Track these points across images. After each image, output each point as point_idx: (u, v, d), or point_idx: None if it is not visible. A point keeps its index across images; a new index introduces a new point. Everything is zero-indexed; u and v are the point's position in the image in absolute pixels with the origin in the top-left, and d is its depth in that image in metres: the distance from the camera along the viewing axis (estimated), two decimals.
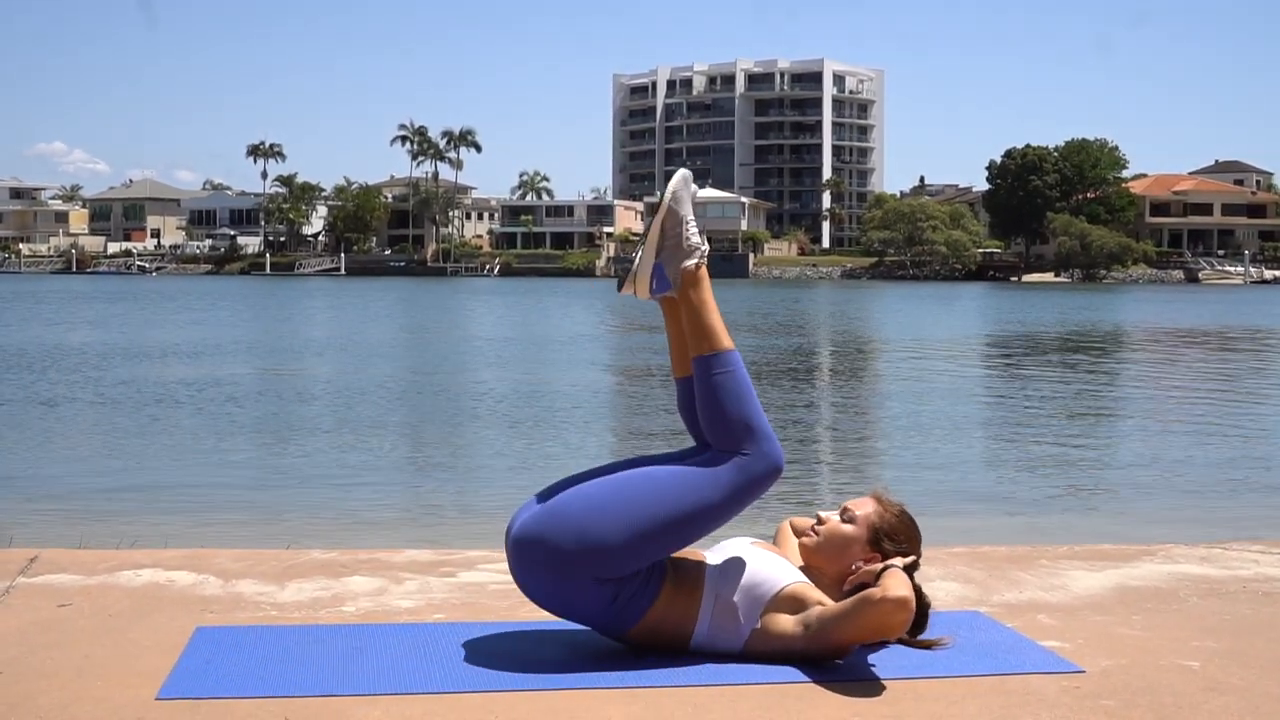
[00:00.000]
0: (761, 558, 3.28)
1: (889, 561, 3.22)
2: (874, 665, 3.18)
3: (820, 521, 3.39)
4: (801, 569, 3.32)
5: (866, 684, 3.06)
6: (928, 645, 3.29)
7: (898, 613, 3.05)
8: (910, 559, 3.27)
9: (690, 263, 3.33)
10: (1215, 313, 51.82)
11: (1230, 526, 7.72)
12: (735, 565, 3.25)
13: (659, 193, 3.36)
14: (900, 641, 3.27)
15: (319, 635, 3.42)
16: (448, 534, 7.75)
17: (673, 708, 2.89)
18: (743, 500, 3.23)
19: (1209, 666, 3.26)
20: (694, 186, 3.39)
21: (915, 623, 3.23)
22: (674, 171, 3.43)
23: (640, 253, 3.33)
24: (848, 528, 3.34)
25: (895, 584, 3.09)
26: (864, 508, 3.36)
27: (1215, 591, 4.06)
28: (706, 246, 3.37)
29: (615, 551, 3.13)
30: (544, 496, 3.25)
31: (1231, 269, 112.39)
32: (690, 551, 3.32)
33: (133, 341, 28.37)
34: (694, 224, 3.35)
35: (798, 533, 3.48)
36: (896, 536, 3.32)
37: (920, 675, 3.13)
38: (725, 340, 3.30)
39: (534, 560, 3.17)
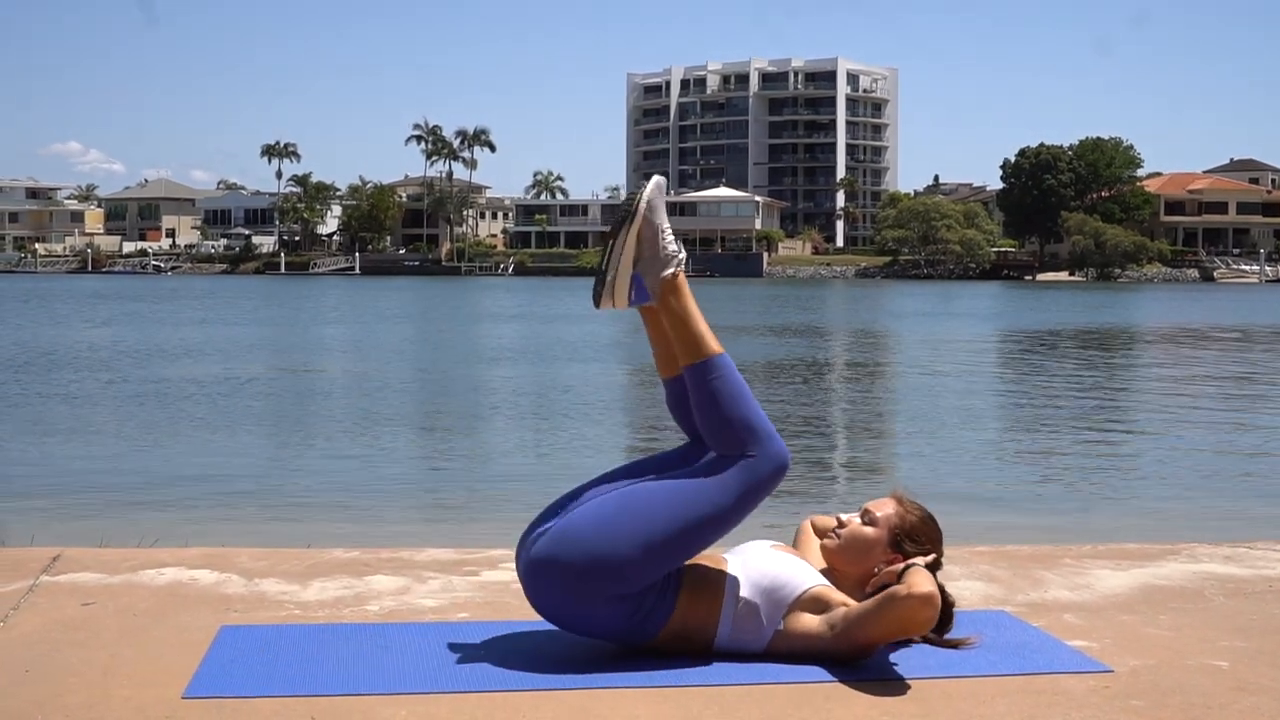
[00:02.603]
0: (782, 561, 3.27)
1: (911, 561, 3.21)
2: (902, 665, 3.17)
3: (841, 524, 3.37)
4: (823, 571, 3.31)
5: (895, 683, 3.05)
6: (955, 644, 3.27)
7: (923, 609, 3.05)
8: (931, 557, 3.26)
9: (669, 271, 3.26)
10: (1232, 311, 51.67)
11: (1254, 526, 7.69)
12: (756, 568, 3.24)
13: (634, 197, 3.27)
14: (927, 641, 3.26)
15: (343, 634, 3.42)
16: (470, 532, 7.74)
17: (701, 707, 2.88)
18: (752, 502, 3.20)
19: (1238, 666, 3.24)
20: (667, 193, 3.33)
21: (940, 620, 3.21)
22: (649, 178, 3.35)
23: (615, 264, 3.24)
24: (869, 530, 3.32)
25: (920, 580, 3.08)
26: (884, 509, 3.35)
27: (1241, 591, 4.04)
28: (684, 254, 3.30)
29: (629, 568, 3.11)
30: (550, 517, 3.22)
31: (1247, 268, 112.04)
32: (709, 555, 3.31)
33: (150, 340, 28.44)
34: (669, 231, 3.29)
35: (819, 533, 3.47)
36: (918, 537, 3.31)
37: (948, 675, 3.12)
38: (713, 345, 3.25)
39: (549, 585, 3.15)
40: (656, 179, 3.33)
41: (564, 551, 3.12)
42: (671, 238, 3.29)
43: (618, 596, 3.13)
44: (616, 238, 3.26)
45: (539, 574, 3.16)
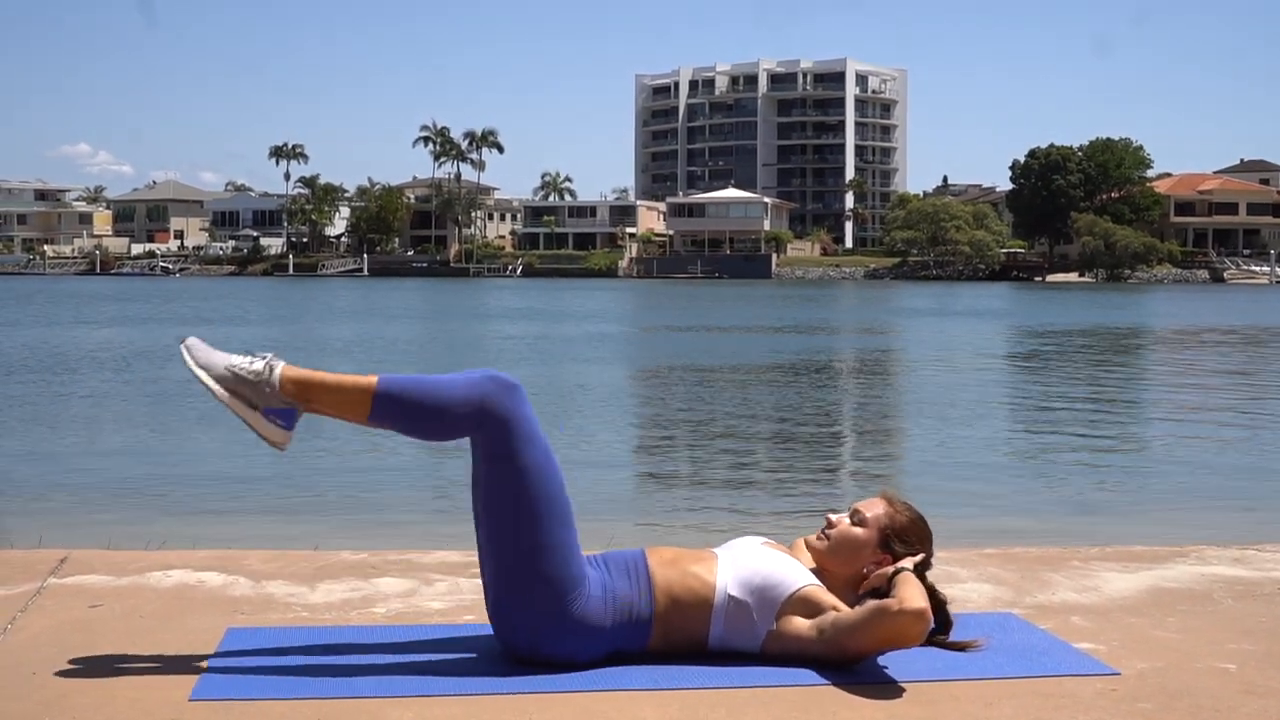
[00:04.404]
0: (773, 559, 3.26)
1: (899, 564, 3.21)
2: (908, 667, 3.16)
3: (830, 525, 3.37)
4: (813, 571, 3.30)
5: (901, 685, 3.05)
6: (961, 647, 3.27)
7: (915, 624, 3.04)
8: (920, 557, 3.26)
9: (275, 379, 3.18)
10: (1242, 312, 51.56)
11: (1263, 527, 7.68)
12: (746, 566, 3.23)
13: (195, 370, 3.19)
14: (934, 643, 3.26)
15: (350, 637, 3.42)
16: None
17: (707, 710, 2.88)
18: (522, 432, 3.15)
19: (1246, 669, 3.23)
20: (197, 345, 3.22)
21: (937, 620, 3.22)
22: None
23: (245, 422, 3.20)
24: (858, 531, 3.31)
25: (911, 594, 3.07)
26: (873, 509, 3.34)
27: (1250, 593, 4.02)
28: (267, 355, 3.21)
29: (544, 585, 3.12)
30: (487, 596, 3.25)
31: (1257, 269, 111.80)
32: (699, 554, 3.31)
33: (159, 341, 28.47)
34: (237, 359, 3.20)
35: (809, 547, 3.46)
36: (907, 537, 3.30)
37: (955, 677, 3.11)
38: (364, 385, 3.17)
39: (529, 648, 3.16)
40: (185, 343, 3.22)
41: (504, 621, 3.17)
42: (244, 361, 3.20)
43: (582, 623, 3.13)
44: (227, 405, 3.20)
45: (515, 647, 3.18)
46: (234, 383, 3.19)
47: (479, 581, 4.03)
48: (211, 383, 3.18)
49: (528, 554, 3.13)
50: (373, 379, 3.18)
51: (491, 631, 3.31)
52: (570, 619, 3.13)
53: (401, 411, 3.17)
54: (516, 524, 3.15)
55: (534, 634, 3.14)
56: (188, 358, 3.21)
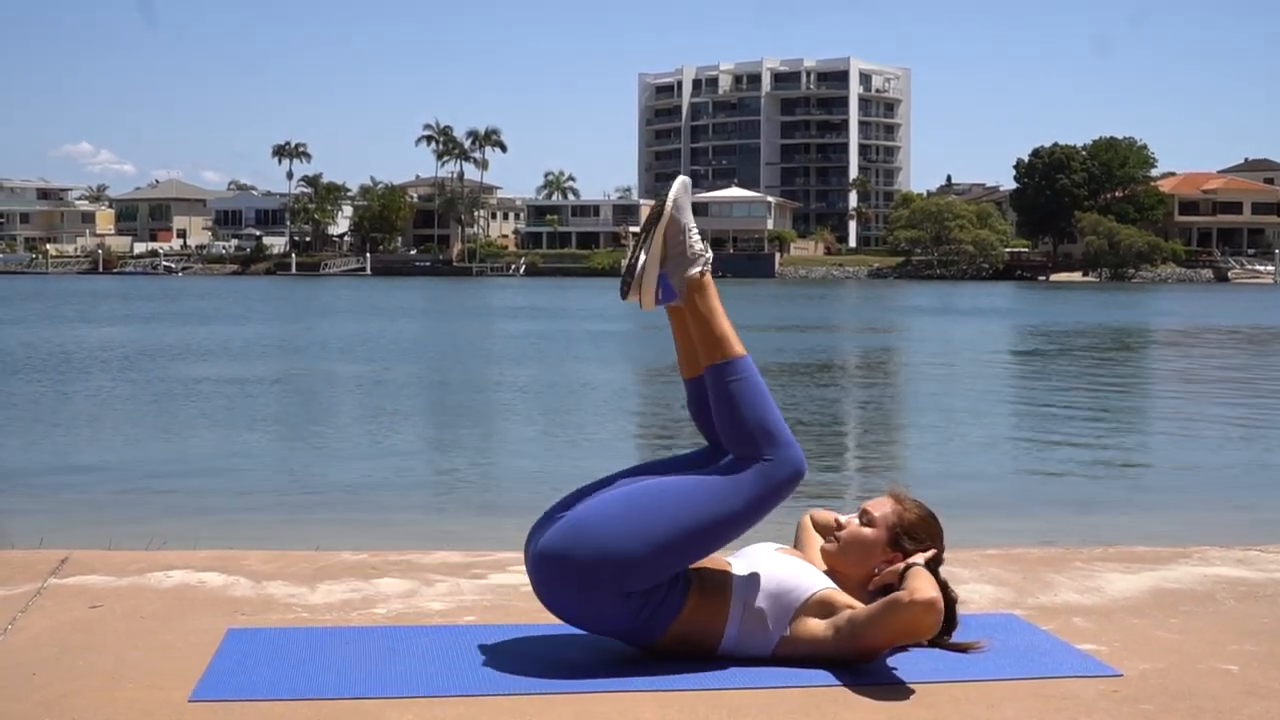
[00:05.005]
0: (787, 564, 3.26)
1: (910, 560, 3.21)
2: (910, 668, 3.16)
3: (840, 526, 3.37)
4: (826, 573, 3.30)
5: (903, 687, 3.04)
6: (963, 648, 3.26)
7: (927, 615, 3.04)
8: (931, 552, 3.26)
9: (695, 270, 3.28)
10: (1246, 312, 51.51)
11: (1266, 528, 7.66)
12: (762, 572, 3.23)
13: (669, 202, 3.30)
14: (936, 644, 3.25)
15: (350, 637, 3.41)
16: (478, 535, 7.73)
17: (706, 712, 2.87)
18: (765, 507, 3.20)
19: (1248, 670, 3.22)
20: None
21: (945, 619, 3.20)
22: (675, 176, 3.40)
23: (642, 262, 3.26)
24: (867, 531, 3.32)
25: (922, 585, 3.07)
26: (882, 508, 3.35)
27: (1252, 594, 4.02)
28: (710, 254, 3.32)
29: (638, 565, 3.10)
30: (561, 510, 3.20)
31: (1261, 268, 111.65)
32: (715, 559, 3.30)
33: (160, 340, 28.47)
34: (696, 231, 3.31)
35: (819, 529, 3.47)
36: (916, 534, 3.31)
37: (956, 678, 3.11)
38: (736, 346, 3.27)
39: (556, 578, 3.14)
40: (682, 178, 3.34)
41: (572, 545, 3.11)
42: (698, 237, 3.31)
43: (623, 594, 3.12)
44: (648, 235, 3.27)
45: (546, 566, 3.15)
46: (675, 234, 3.29)
47: (478, 582, 4.05)
48: (667, 216, 3.27)
49: (647, 540, 3.10)
50: (743, 349, 3.29)
51: (491, 631, 3.31)
52: (612, 601, 3.13)
53: (731, 390, 3.24)
54: (678, 518, 3.13)
55: (574, 595, 3.13)
56: (676, 189, 3.31)
